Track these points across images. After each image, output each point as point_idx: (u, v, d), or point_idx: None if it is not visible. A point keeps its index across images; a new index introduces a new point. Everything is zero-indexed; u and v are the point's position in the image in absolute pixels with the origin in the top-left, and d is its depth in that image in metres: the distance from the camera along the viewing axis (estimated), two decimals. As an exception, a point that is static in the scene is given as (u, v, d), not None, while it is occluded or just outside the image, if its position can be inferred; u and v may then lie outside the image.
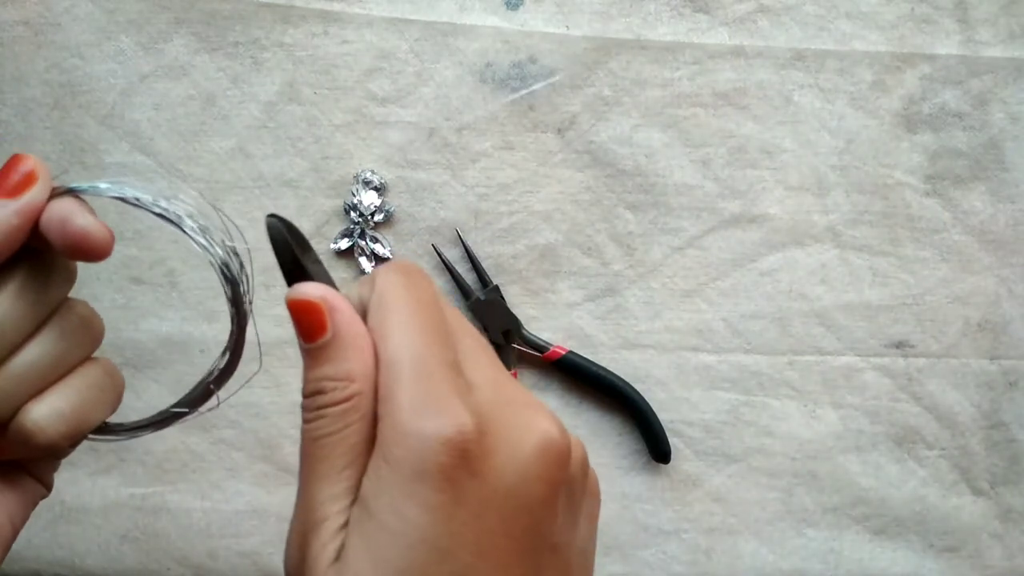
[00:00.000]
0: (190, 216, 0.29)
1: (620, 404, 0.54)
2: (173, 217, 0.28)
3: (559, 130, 0.54)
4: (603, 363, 0.54)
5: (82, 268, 0.46)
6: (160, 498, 0.54)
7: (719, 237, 0.55)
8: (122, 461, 0.54)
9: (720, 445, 0.55)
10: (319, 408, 0.25)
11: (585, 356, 0.54)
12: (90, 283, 0.53)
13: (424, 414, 0.23)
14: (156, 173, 0.54)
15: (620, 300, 0.55)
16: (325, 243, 0.54)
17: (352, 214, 0.53)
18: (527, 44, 0.54)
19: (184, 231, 0.28)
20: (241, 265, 0.29)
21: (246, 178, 0.54)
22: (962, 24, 0.55)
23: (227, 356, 0.30)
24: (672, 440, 0.54)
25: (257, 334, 0.30)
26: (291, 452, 0.54)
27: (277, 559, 0.54)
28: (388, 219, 0.54)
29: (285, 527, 0.54)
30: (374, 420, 0.25)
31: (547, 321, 0.55)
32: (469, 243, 0.54)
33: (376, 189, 0.54)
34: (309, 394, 0.26)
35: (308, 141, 0.54)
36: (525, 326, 0.54)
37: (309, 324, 0.26)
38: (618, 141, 0.55)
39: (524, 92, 0.54)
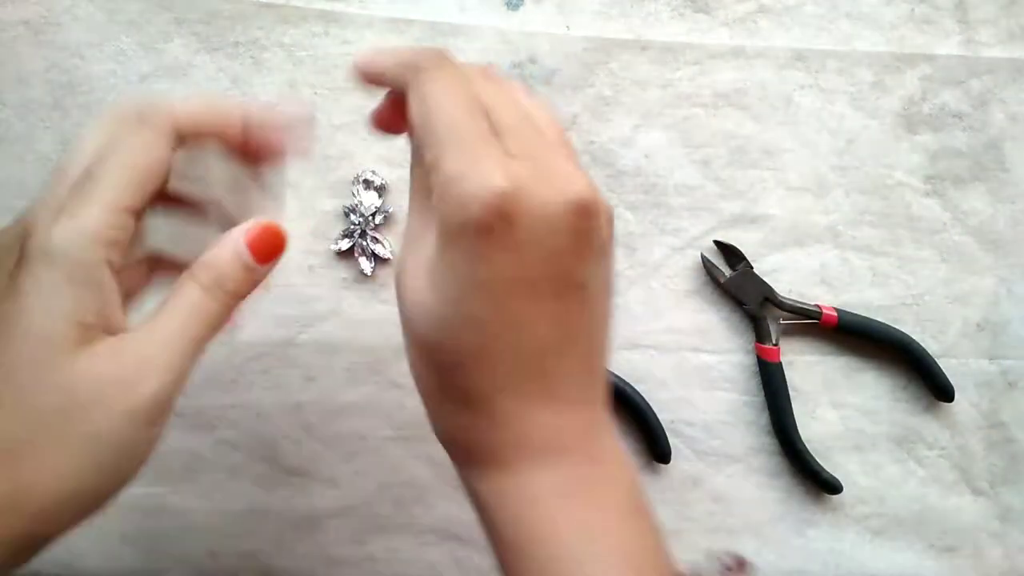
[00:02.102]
0: None
1: (620, 404, 0.54)
2: None
3: (559, 130, 0.54)
4: (603, 363, 0.54)
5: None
6: (160, 498, 0.54)
7: (720, 237, 0.55)
8: (122, 461, 0.54)
9: (720, 445, 0.55)
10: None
11: (585, 356, 0.54)
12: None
13: (463, 179, 0.28)
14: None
15: (621, 300, 0.55)
16: (325, 243, 0.54)
17: (352, 216, 0.53)
18: (527, 44, 0.54)
19: None
20: None
21: (246, 178, 0.54)
22: (962, 24, 0.55)
23: None
24: (672, 440, 0.54)
25: None
26: (291, 453, 0.54)
27: (277, 559, 0.54)
28: (388, 220, 0.54)
29: (285, 527, 0.54)
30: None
31: (547, 321, 0.55)
32: (469, 243, 0.54)
33: (377, 190, 0.54)
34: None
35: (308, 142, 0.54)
36: (525, 326, 0.54)
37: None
38: (618, 141, 0.55)
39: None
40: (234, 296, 0.33)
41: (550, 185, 0.29)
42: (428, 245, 0.31)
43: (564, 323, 0.31)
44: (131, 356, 0.31)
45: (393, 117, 0.35)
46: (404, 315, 0.32)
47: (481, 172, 0.28)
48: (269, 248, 0.34)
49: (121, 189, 0.31)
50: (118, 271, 0.31)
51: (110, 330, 0.31)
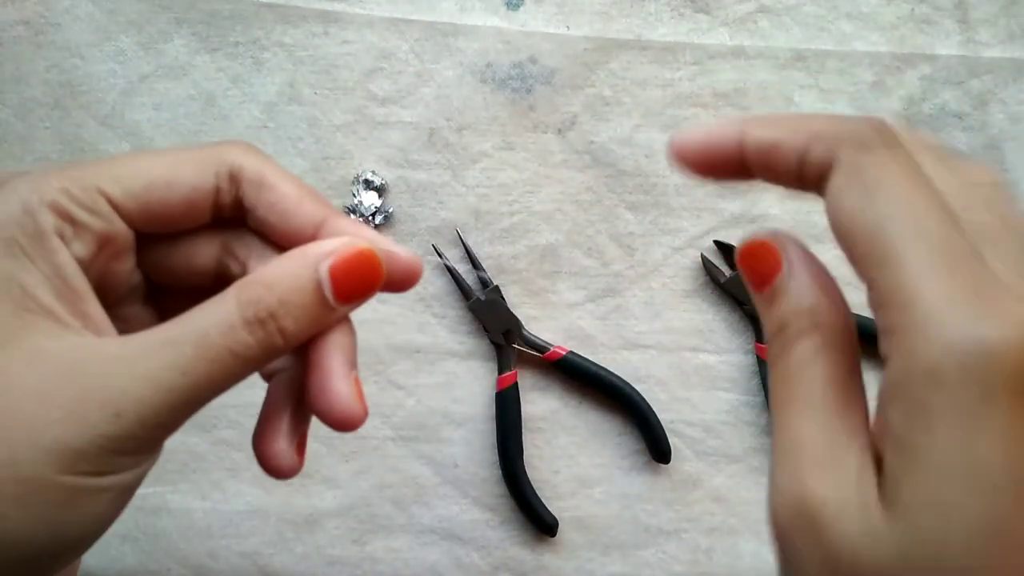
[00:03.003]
0: None
1: (620, 404, 0.54)
2: None
3: (560, 130, 0.54)
4: (603, 363, 0.54)
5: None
6: (160, 498, 0.54)
7: (720, 237, 0.55)
8: (122, 461, 0.54)
9: (720, 445, 0.55)
10: (791, 340, 0.22)
11: (585, 356, 0.54)
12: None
13: (974, 315, 0.18)
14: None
15: (621, 300, 0.55)
16: (325, 243, 0.54)
17: (352, 216, 0.53)
18: (527, 44, 0.54)
19: None
20: None
21: (246, 178, 0.54)
22: (962, 25, 0.55)
23: None
24: (672, 440, 0.54)
25: None
26: (291, 452, 0.54)
27: (277, 559, 0.54)
28: (388, 220, 0.54)
29: (285, 527, 0.54)
30: (852, 355, 0.22)
31: (547, 321, 0.55)
32: (469, 243, 0.54)
33: (376, 190, 0.54)
34: (775, 333, 0.23)
35: (308, 141, 0.54)
36: (525, 326, 0.54)
37: (764, 264, 0.24)
38: (618, 141, 0.55)
39: (524, 92, 0.54)
40: (289, 339, 0.23)
41: None
42: (867, 467, 0.20)
43: None
44: (90, 373, 0.21)
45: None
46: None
47: (996, 302, 0.18)
48: (359, 283, 0.24)
49: (106, 173, 0.24)
50: (101, 278, 0.25)
51: (83, 326, 0.23)
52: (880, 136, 0.21)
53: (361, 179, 0.54)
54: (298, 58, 0.54)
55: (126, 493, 0.23)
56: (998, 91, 0.55)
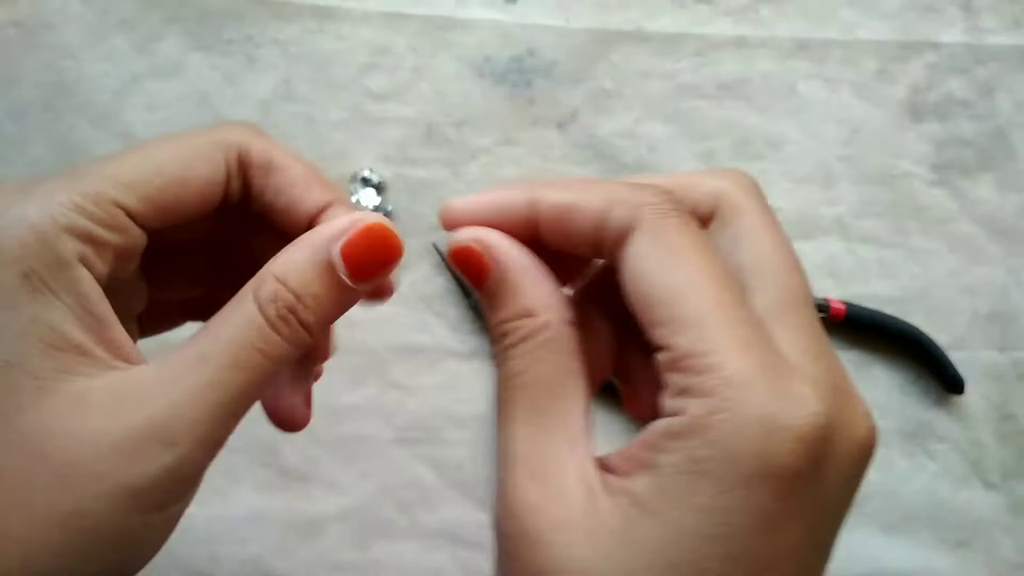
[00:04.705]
0: None
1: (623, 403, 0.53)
2: None
3: (560, 124, 0.54)
4: (608, 360, 0.53)
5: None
6: (160, 504, 0.53)
7: (724, 231, 0.54)
8: (121, 467, 0.53)
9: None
10: (506, 350, 0.23)
11: (590, 354, 0.53)
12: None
13: (770, 397, 0.19)
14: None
15: (624, 296, 0.54)
16: (324, 243, 0.54)
17: (351, 213, 0.53)
18: (526, 37, 0.54)
19: None
20: None
21: (242, 178, 0.54)
22: (966, 12, 0.55)
23: None
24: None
25: None
26: (292, 455, 0.54)
27: (280, 565, 0.53)
28: (388, 218, 0.53)
29: (287, 532, 0.53)
30: (579, 354, 0.23)
31: (550, 319, 0.54)
32: (470, 241, 0.53)
33: (375, 187, 0.53)
34: (495, 341, 0.24)
35: (305, 140, 0.53)
36: (528, 324, 0.53)
37: (472, 269, 0.24)
38: (620, 134, 0.54)
39: (523, 86, 0.54)
40: (312, 327, 0.23)
41: (852, 407, 0.20)
42: (588, 483, 0.21)
43: None
44: (136, 408, 0.21)
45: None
46: None
47: (793, 391, 0.19)
48: (376, 259, 0.24)
49: (115, 180, 0.23)
50: (116, 292, 0.23)
51: (112, 355, 0.22)
52: (673, 204, 0.22)
53: (359, 177, 0.53)
54: (292, 55, 0.53)
55: (182, 516, 0.24)
56: (1004, 78, 0.55)
